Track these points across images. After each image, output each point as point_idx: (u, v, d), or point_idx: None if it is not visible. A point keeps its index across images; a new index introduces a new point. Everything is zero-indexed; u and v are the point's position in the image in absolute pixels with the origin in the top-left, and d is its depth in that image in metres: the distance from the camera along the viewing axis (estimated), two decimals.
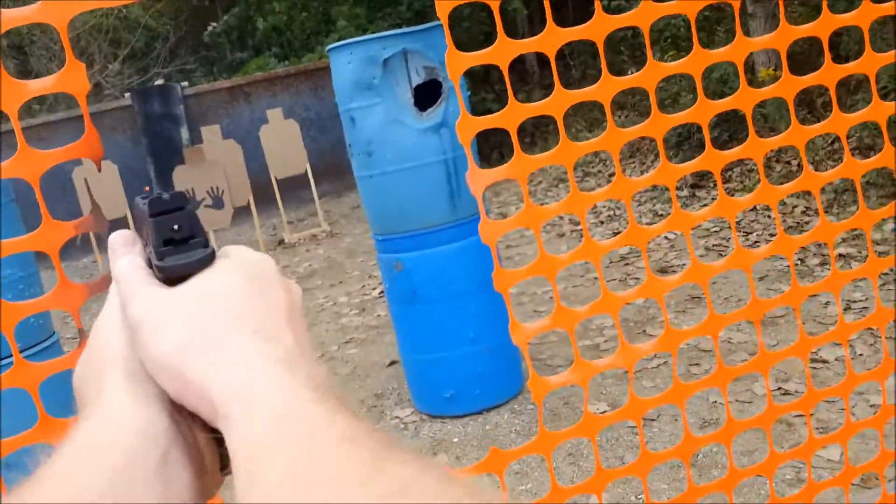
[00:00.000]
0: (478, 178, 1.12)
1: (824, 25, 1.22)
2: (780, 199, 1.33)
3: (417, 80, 3.28)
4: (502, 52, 1.11)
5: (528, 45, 1.15)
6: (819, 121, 1.31)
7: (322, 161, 10.08)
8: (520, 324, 1.15)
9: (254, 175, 8.21)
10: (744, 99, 1.23)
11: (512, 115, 1.14)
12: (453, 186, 3.33)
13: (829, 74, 1.25)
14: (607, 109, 1.17)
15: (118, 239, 0.49)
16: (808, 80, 1.25)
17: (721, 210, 1.26)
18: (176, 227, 0.43)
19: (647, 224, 4.21)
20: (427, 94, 3.33)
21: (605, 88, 1.15)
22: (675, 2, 1.19)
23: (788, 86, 1.23)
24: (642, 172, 7.73)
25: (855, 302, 3.79)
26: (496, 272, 1.14)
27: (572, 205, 1.20)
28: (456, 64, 1.08)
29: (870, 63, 1.26)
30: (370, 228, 3.74)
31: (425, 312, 3.40)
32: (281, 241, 8.68)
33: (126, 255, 0.47)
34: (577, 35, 1.15)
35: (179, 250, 0.43)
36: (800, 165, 5.99)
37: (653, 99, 1.19)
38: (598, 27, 1.15)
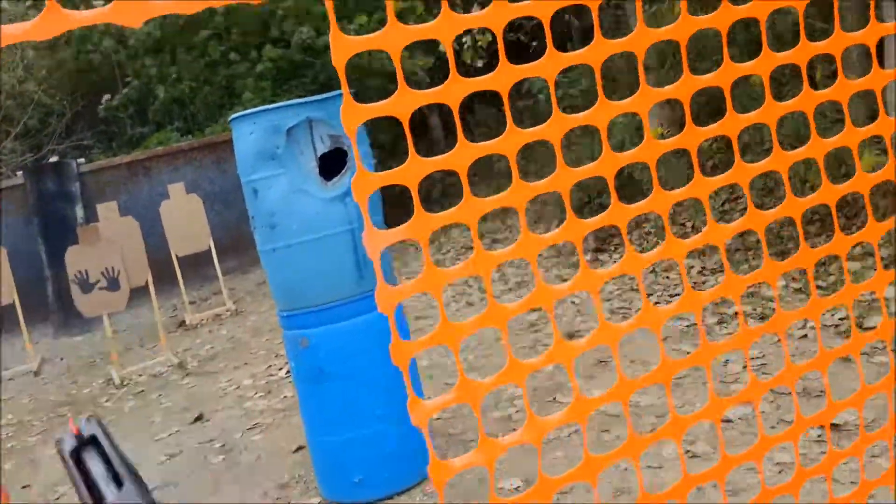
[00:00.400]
0: (374, 239, 1.05)
1: (726, 74, 1.23)
2: (686, 255, 1.31)
3: (322, 148, 3.24)
4: (402, 103, 1.06)
5: (429, 97, 1.10)
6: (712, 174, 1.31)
7: (227, 236, 9.82)
8: (420, 400, 1.08)
9: (154, 253, 7.90)
10: (648, 151, 1.22)
11: (412, 171, 1.08)
12: (360, 257, 3.26)
13: (731, 124, 1.25)
14: (513, 163, 1.14)
15: None
16: (711, 130, 1.26)
17: (628, 267, 1.23)
18: None
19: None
20: (332, 164, 3.29)
21: (510, 142, 1.12)
22: (581, 51, 1.18)
23: (691, 137, 1.23)
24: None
25: (752, 359, 3.89)
26: (393, 343, 1.07)
27: (477, 266, 1.15)
28: (351, 116, 1.03)
29: (770, 113, 1.28)
30: (276, 305, 3.61)
31: (332, 390, 3.27)
32: (182, 323, 8.32)
33: None
34: (481, 85, 1.12)
35: None
36: (693, 226, 6.23)
37: (558, 152, 1.17)
38: (502, 78, 1.12)
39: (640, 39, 1.18)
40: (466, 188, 1.13)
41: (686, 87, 1.22)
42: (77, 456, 0.38)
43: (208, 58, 11.56)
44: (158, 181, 10.30)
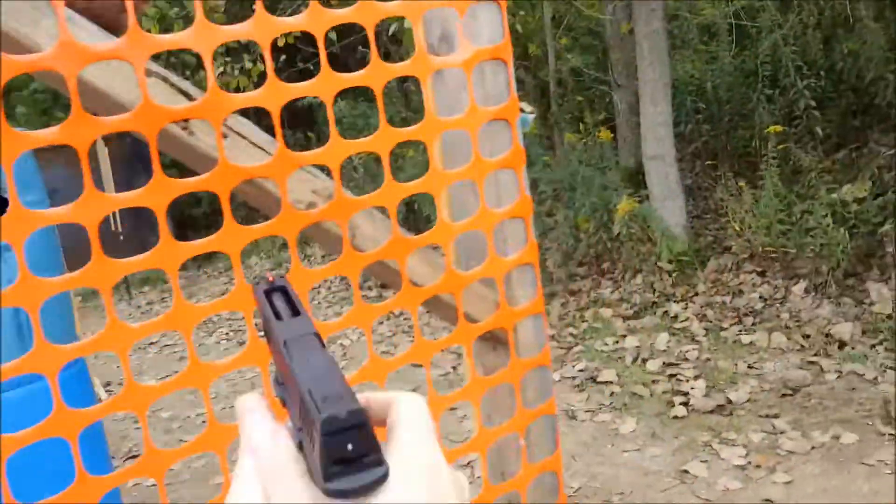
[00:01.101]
0: (33, 291, 0.90)
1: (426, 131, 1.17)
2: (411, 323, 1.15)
3: None
4: (76, 132, 0.89)
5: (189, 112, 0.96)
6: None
7: None
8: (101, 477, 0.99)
9: None
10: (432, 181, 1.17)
11: (158, 193, 0.94)
12: (23, 319, 2.71)
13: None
14: (283, 189, 1.03)
15: (252, 405, 0.46)
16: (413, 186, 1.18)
17: (356, 319, 1.12)
18: (350, 446, 0.38)
19: None
20: None
21: (280, 166, 1.02)
22: (359, 74, 1.08)
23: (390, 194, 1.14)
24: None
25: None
26: (56, 412, 0.98)
27: (175, 322, 1.00)
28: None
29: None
30: None
31: None
32: None
33: (268, 426, 0.43)
34: (248, 103, 1.01)
35: (350, 471, 0.38)
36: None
37: (337, 178, 1.08)
38: (272, 96, 1.00)
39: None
40: (228, 213, 0.99)
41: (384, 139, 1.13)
42: (268, 295, 0.49)
43: None
44: None
